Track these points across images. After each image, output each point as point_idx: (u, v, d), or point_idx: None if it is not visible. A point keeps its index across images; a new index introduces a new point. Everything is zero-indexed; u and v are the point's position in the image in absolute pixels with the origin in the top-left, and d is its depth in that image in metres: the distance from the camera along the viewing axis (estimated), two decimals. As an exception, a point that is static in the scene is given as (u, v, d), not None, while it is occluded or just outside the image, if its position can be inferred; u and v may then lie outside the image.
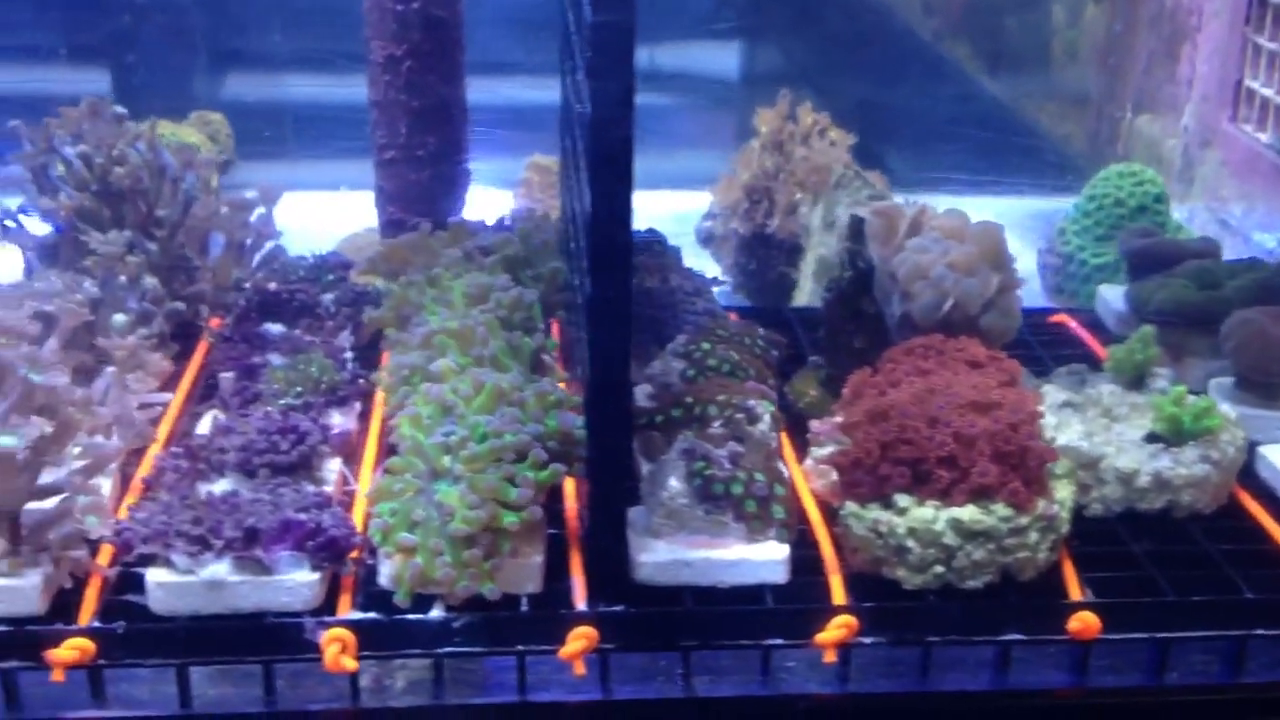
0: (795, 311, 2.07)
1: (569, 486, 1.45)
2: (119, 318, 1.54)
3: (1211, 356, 1.69)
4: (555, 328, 1.75)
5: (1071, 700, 1.34)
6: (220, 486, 1.37)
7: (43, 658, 1.23)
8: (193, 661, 1.26)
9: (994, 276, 1.49)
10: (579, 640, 1.27)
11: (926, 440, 1.30)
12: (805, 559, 1.35)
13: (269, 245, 1.88)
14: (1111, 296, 1.91)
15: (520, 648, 1.28)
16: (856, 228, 1.58)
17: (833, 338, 1.63)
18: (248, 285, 1.76)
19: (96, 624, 1.24)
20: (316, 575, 1.27)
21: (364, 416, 1.58)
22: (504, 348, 1.42)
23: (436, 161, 2.05)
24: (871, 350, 1.55)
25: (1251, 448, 1.54)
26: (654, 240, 1.89)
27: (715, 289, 1.85)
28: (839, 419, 1.45)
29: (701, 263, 2.29)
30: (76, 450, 1.31)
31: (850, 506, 1.33)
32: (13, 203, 1.76)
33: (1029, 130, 3.42)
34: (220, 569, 1.25)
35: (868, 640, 1.30)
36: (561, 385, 1.41)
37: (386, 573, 1.29)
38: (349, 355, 1.64)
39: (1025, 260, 2.21)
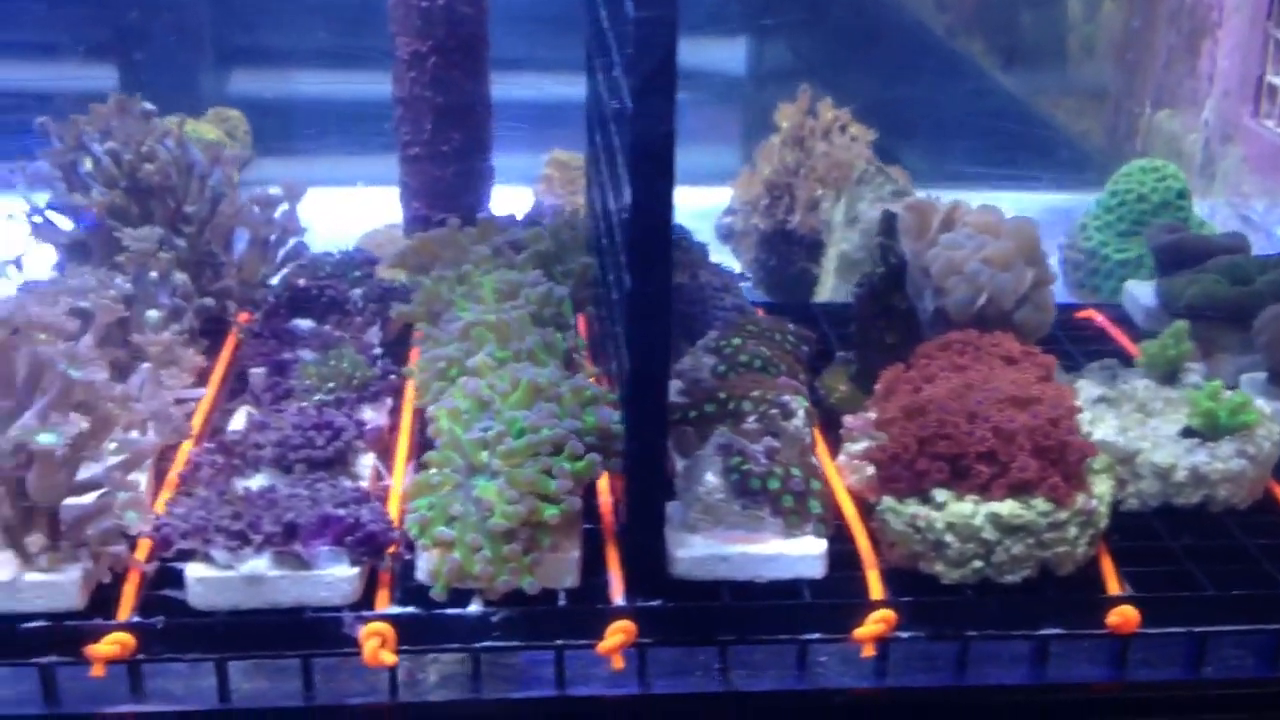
0: (820, 307, 2.06)
1: (602, 482, 1.45)
2: (152, 313, 1.54)
3: (1243, 351, 1.69)
4: (581, 323, 1.75)
5: (1109, 694, 1.34)
6: (255, 482, 1.37)
7: (82, 653, 1.23)
8: (232, 656, 1.27)
9: (1029, 271, 1.49)
10: (617, 635, 1.27)
11: (966, 435, 1.30)
12: (841, 554, 1.35)
13: (292, 241, 1.88)
14: (1139, 292, 1.91)
15: (559, 642, 1.28)
16: (889, 223, 1.58)
17: (864, 333, 1.63)
18: (277, 280, 1.76)
19: (136, 619, 1.24)
20: (355, 570, 1.27)
21: (394, 412, 1.58)
22: (540, 343, 1.42)
23: (461, 157, 2.04)
24: (903, 346, 1.55)
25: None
26: (680, 236, 1.89)
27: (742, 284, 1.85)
28: (872, 414, 1.45)
29: (721, 258, 2.28)
30: (112, 446, 1.31)
31: (887, 501, 1.33)
32: (40, 199, 1.75)
33: (1045, 126, 3.41)
34: (260, 564, 1.25)
35: (905, 635, 1.30)
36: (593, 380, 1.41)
37: (424, 567, 1.29)
38: (378, 350, 1.64)
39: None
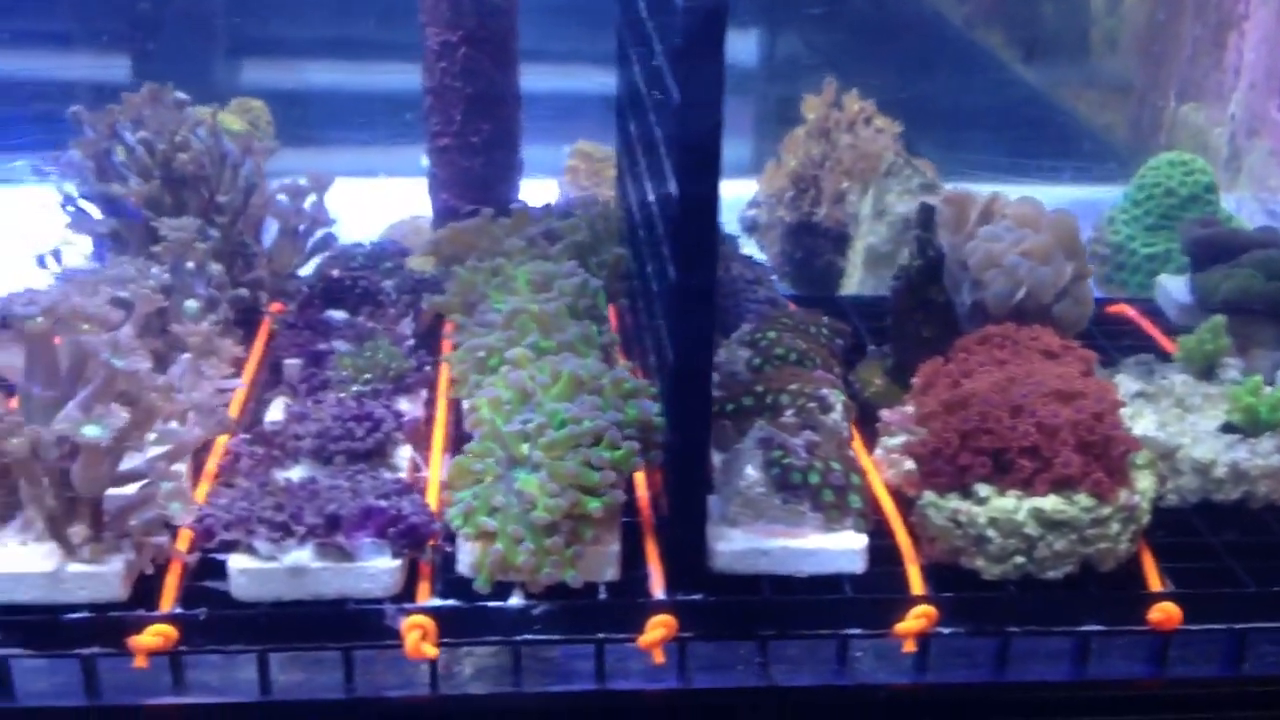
0: (849, 300, 2.06)
1: (639, 475, 1.44)
2: (191, 304, 1.53)
3: (1278, 346, 1.68)
4: (611, 315, 1.74)
5: (1150, 691, 1.34)
6: (294, 473, 1.37)
7: (124, 644, 1.23)
8: (274, 648, 1.27)
9: (1068, 265, 1.49)
10: (658, 628, 1.27)
11: (1009, 430, 1.29)
12: (881, 549, 1.35)
13: (321, 232, 1.87)
14: (1172, 286, 1.90)
15: (599, 636, 1.28)
16: (927, 215, 1.57)
17: (900, 326, 1.62)
18: (307, 271, 1.75)
19: (179, 610, 1.24)
20: (397, 562, 1.26)
21: (429, 404, 1.58)
22: (580, 334, 1.42)
23: (490, 149, 2.03)
24: (940, 339, 1.54)
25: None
26: (712, 228, 1.88)
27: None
28: (910, 408, 1.45)
29: (747, 251, 2.27)
30: (152, 436, 1.31)
31: (928, 496, 1.33)
32: (71, 189, 1.75)
33: (1067, 119, 3.40)
34: (303, 555, 1.25)
35: (946, 630, 1.30)
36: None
37: (465, 560, 1.29)
38: (412, 342, 1.64)
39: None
